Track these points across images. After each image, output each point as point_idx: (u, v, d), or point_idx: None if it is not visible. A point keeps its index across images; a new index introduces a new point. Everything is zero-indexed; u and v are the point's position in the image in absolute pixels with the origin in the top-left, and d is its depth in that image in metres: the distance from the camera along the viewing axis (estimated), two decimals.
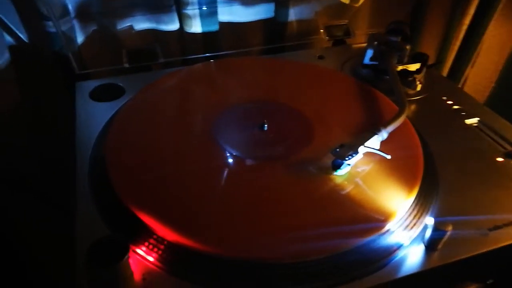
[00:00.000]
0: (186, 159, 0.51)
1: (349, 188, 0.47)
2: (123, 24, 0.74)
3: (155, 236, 0.41)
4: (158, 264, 0.40)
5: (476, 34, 0.97)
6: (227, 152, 0.51)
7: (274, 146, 0.53)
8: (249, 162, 0.51)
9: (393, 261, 0.41)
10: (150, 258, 0.40)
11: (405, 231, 0.44)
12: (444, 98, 0.66)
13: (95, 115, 0.58)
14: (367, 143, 0.48)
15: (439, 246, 0.42)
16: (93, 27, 0.72)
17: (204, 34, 0.77)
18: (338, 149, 0.47)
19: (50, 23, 0.64)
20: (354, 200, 0.45)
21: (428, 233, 0.42)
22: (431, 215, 0.45)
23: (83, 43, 0.71)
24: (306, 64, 0.73)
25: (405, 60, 0.68)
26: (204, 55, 0.75)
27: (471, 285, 0.48)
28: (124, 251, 0.36)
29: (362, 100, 0.62)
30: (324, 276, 0.39)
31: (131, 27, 0.74)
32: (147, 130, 0.55)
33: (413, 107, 0.64)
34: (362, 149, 0.47)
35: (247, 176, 0.49)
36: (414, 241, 0.43)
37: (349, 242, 0.41)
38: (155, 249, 0.40)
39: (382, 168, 0.49)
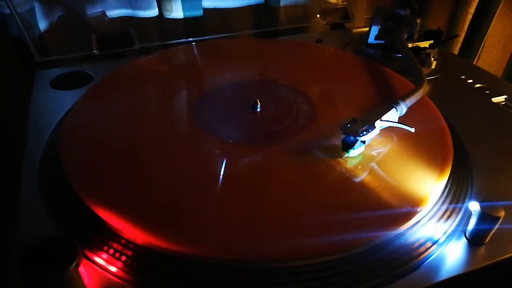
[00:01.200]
0: (162, 147, 0.41)
1: (364, 172, 0.37)
2: (94, 10, 0.65)
3: (119, 239, 0.32)
4: (123, 275, 0.30)
5: (481, 25, 0.92)
6: (212, 136, 0.42)
7: (270, 128, 0.44)
8: (239, 145, 0.41)
9: (427, 261, 0.32)
10: (113, 268, 0.31)
11: (440, 222, 0.34)
12: (463, 77, 0.58)
13: (55, 104, 0.49)
14: (384, 117, 0.39)
15: (487, 240, 0.33)
16: (59, 12, 0.63)
17: (186, 20, 0.68)
18: (349, 125, 0.38)
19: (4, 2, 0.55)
20: (371, 186, 0.36)
21: (472, 223, 0.33)
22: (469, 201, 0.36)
23: (47, 29, 0.62)
24: (304, 43, 0.65)
25: (415, 37, 0.60)
26: (186, 39, 0.66)
27: None
28: (71, 256, 0.27)
29: (372, 78, 0.53)
30: (336, 284, 0.30)
31: (103, 13, 0.66)
32: (115, 117, 0.45)
33: (430, 87, 0.55)
34: (379, 124, 0.38)
35: (238, 163, 0.39)
36: (451, 235, 0.34)
37: (368, 238, 0.32)
38: (117, 255, 0.31)
39: (403, 148, 0.40)
